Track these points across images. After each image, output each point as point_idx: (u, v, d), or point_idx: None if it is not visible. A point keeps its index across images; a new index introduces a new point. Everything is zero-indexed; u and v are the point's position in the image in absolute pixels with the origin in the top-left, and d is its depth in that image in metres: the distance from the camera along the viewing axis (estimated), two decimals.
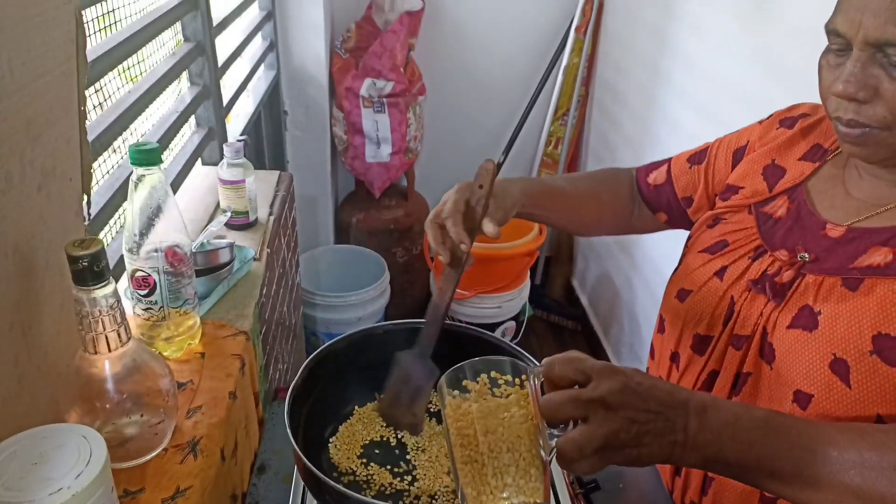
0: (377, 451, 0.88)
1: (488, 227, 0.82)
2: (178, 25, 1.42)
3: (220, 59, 1.59)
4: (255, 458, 0.99)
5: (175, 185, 1.32)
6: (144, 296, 0.86)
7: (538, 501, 0.56)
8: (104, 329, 0.65)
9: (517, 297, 2.55)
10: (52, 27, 0.67)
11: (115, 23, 1.12)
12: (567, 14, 2.59)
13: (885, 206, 0.73)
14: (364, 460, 0.86)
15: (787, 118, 0.90)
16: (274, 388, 1.26)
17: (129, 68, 1.17)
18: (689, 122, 1.91)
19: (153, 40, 1.23)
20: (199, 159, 1.55)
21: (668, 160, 1.02)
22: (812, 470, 0.58)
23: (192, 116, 1.51)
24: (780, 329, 0.74)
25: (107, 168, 1.10)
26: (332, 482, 0.71)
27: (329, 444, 0.88)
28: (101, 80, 1.04)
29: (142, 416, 0.72)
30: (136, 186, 0.81)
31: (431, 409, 0.94)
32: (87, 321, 0.64)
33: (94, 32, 1.05)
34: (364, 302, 2.30)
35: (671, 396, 0.59)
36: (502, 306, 2.52)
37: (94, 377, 0.68)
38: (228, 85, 1.72)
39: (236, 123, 1.84)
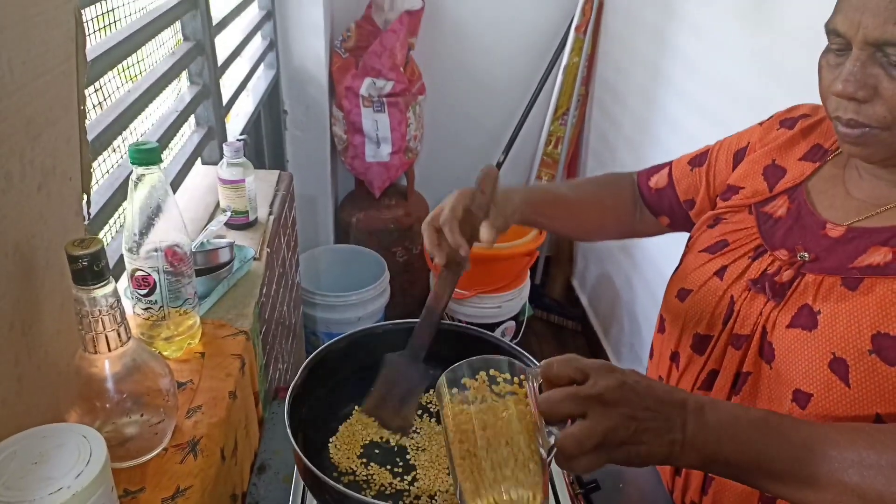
0: (377, 451, 0.88)
1: (485, 232, 0.82)
2: (177, 25, 1.42)
3: (220, 59, 1.59)
4: (255, 457, 0.99)
5: (175, 185, 1.32)
6: (144, 295, 0.86)
7: (537, 496, 0.56)
8: (104, 329, 0.65)
9: (517, 297, 2.55)
10: (51, 26, 0.67)
11: (115, 22, 1.12)
12: (567, 14, 2.59)
13: (885, 205, 0.74)
14: (364, 460, 0.86)
15: (787, 119, 0.90)
16: (274, 388, 1.26)
17: (128, 67, 1.17)
18: (689, 122, 1.91)
19: (153, 39, 1.23)
20: (199, 159, 1.55)
21: (669, 164, 1.02)
22: (810, 469, 0.58)
23: (192, 116, 1.51)
24: (780, 328, 0.74)
25: (107, 167, 1.10)
26: (332, 482, 0.71)
27: (329, 444, 0.88)
28: (101, 80, 1.04)
29: (142, 415, 0.72)
30: (135, 186, 0.81)
31: (431, 409, 0.94)
32: (86, 321, 0.64)
33: (94, 32, 1.05)
34: (364, 302, 2.30)
35: (669, 395, 0.59)
36: (502, 306, 2.52)
37: (94, 377, 0.68)
38: (228, 84, 1.72)
39: (236, 123, 1.84)
